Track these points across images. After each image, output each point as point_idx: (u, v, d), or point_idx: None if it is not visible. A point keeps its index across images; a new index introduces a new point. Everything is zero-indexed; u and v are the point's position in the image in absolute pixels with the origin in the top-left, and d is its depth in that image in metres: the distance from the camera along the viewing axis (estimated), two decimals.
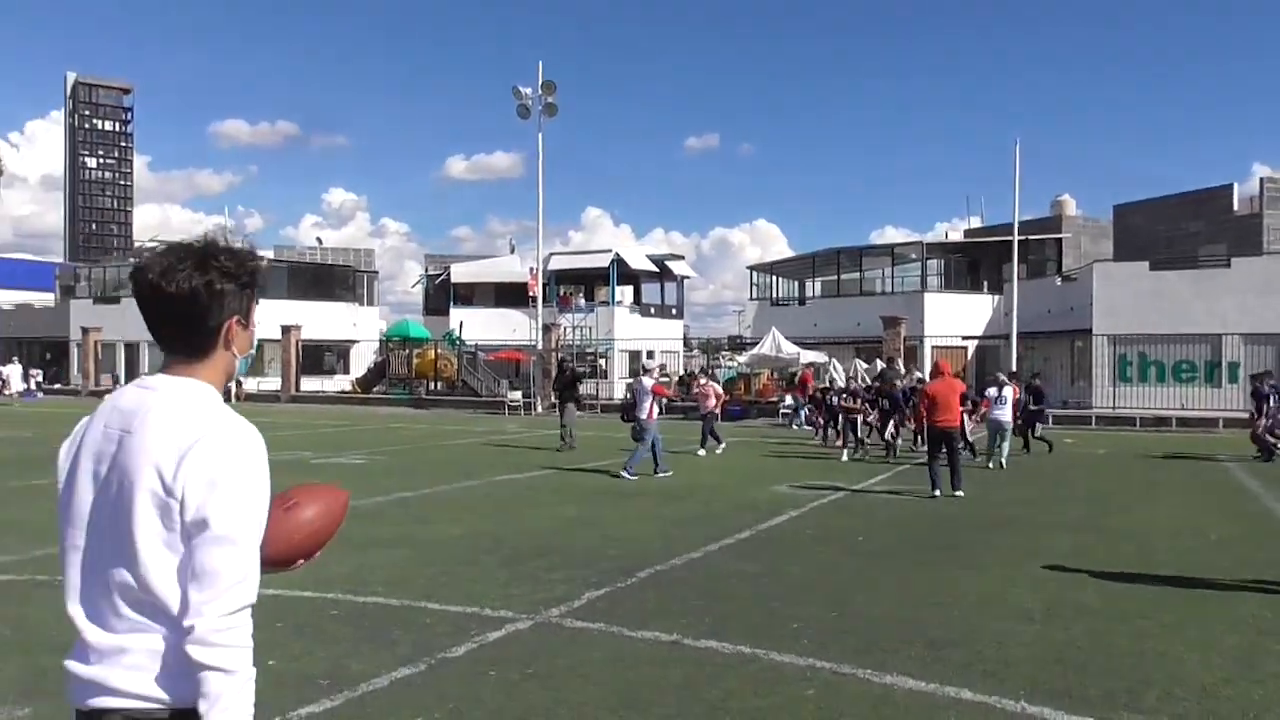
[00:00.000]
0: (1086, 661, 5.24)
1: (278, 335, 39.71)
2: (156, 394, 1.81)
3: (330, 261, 55.82)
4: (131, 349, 45.84)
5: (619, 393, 35.69)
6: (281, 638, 5.56)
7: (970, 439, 16.68)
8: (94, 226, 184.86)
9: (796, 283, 46.45)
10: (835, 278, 43.44)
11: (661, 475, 13.75)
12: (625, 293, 48.74)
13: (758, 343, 33.78)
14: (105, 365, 45.34)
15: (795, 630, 5.81)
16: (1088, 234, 43.24)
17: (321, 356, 45.28)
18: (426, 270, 53.80)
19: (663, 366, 42.69)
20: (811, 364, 25.80)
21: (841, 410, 17.89)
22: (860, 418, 17.62)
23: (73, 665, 1.76)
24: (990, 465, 15.49)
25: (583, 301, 45.86)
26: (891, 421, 17.74)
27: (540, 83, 32.87)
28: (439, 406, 34.82)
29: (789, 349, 29.76)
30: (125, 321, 45.20)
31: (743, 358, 32.81)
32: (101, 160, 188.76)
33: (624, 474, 13.55)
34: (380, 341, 43.58)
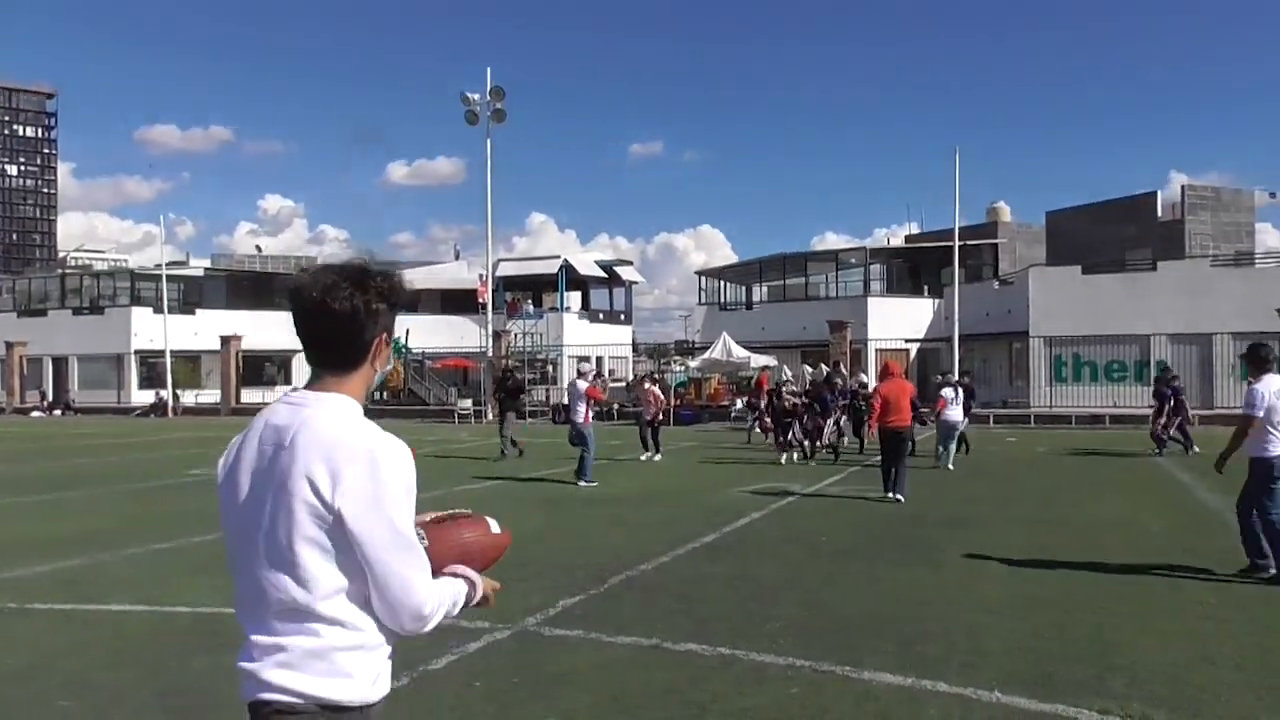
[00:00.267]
0: (1054, 651, 5.43)
1: (217, 346, 38.92)
2: (308, 409, 1.90)
3: (270, 270, 54.64)
4: (60, 363, 44.49)
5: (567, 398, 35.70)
6: None
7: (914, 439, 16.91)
8: (16, 236, 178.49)
9: (743, 288, 46.93)
10: (781, 282, 44.03)
11: (585, 485, 13.57)
12: (574, 299, 48.77)
13: (707, 347, 34.06)
14: (31, 381, 43.92)
15: (773, 630, 5.92)
16: (1022, 239, 44.44)
17: (262, 367, 44.42)
18: None
19: (611, 372, 42.83)
20: (766, 367, 26.07)
21: (779, 414, 17.77)
22: (798, 422, 17.51)
23: (241, 663, 1.88)
24: (940, 465, 15.75)
25: (531, 307, 45.73)
26: (829, 424, 17.70)
27: (489, 88, 32.79)
28: (385, 416, 34.36)
29: (739, 353, 30.06)
30: (53, 335, 43.88)
31: (694, 362, 33.05)
32: (23, 167, 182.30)
33: (580, 484, 13.55)
34: None
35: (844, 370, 24.88)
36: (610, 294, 50.73)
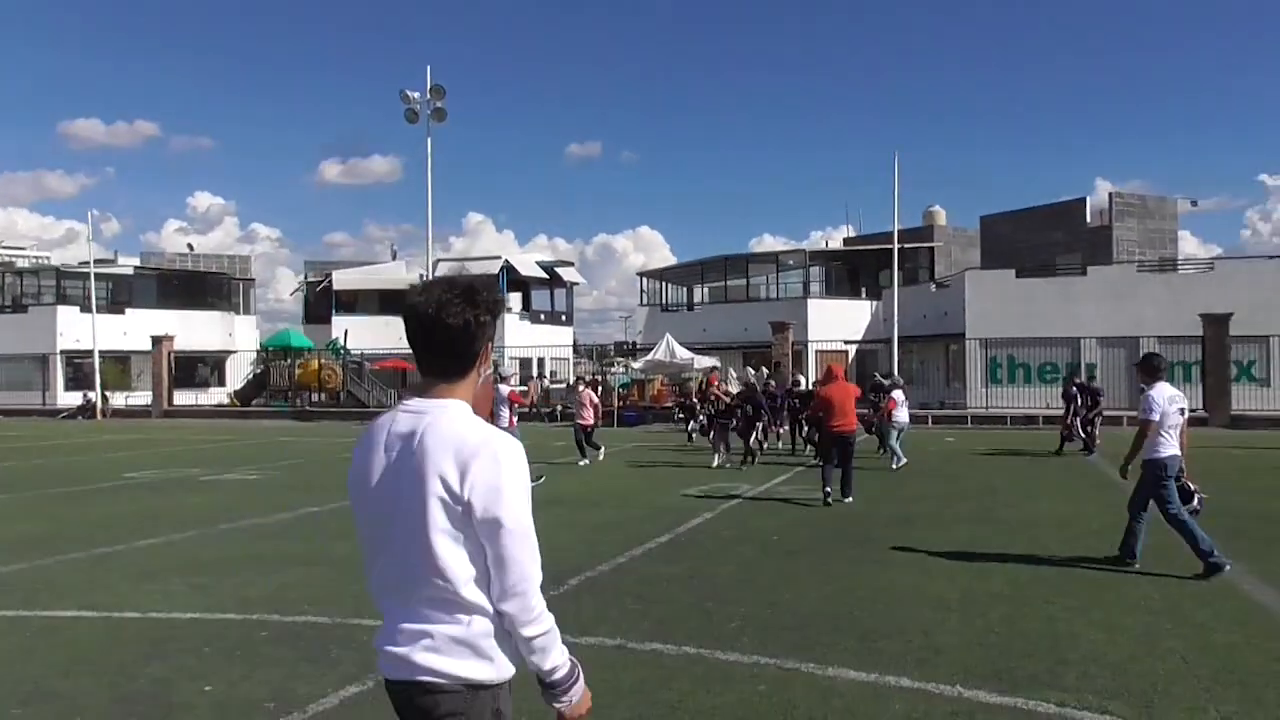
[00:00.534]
0: (1007, 646, 5.60)
1: (147, 346, 37.84)
2: (428, 416, 2.08)
3: (203, 269, 53.30)
4: None
5: None
6: (214, 663, 5.40)
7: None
8: None
9: (685, 289, 47.19)
10: (722, 284, 44.39)
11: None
12: (514, 299, 48.50)
13: (649, 349, 34.17)
14: None
15: (734, 629, 6.00)
16: (957, 243, 45.45)
17: (195, 369, 43.32)
18: (307, 277, 52.14)
19: (553, 373, 42.68)
20: (715, 368, 26.24)
21: (713, 415, 17.44)
22: (730, 423, 17.11)
23: (386, 646, 2.09)
24: (895, 466, 15.64)
25: None
26: (759, 426, 17.47)
27: (428, 87, 32.45)
28: (324, 418, 33.85)
29: (683, 354, 30.23)
30: None
31: (638, 363, 33.11)
32: None
33: None
34: (259, 352, 42.00)
35: (783, 372, 25.18)
36: (552, 295, 50.61)
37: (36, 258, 73.71)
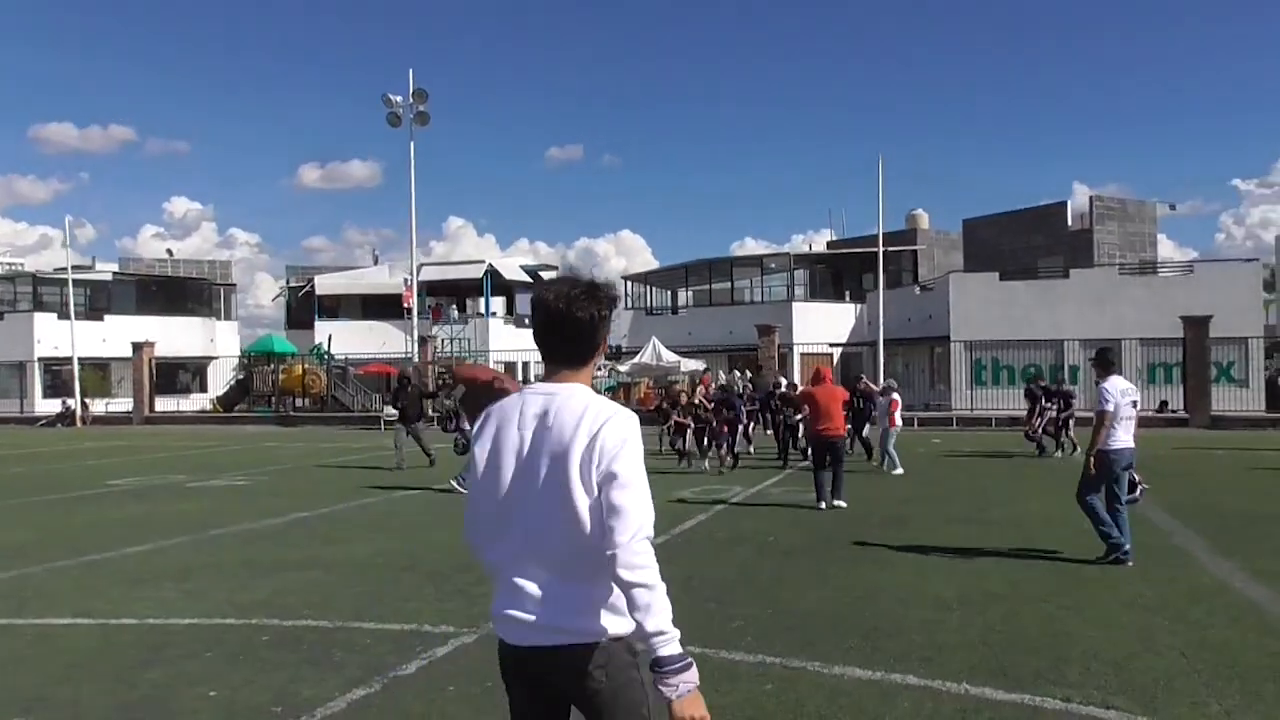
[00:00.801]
0: (1008, 643, 5.63)
1: (127, 353, 37.50)
2: (559, 396, 2.31)
3: (183, 274, 52.88)
4: None
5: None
6: (216, 668, 5.36)
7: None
8: None
9: (669, 292, 47.25)
10: (707, 287, 44.47)
11: (460, 488, 13.08)
12: (498, 303, 48.44)
13: (634, 352, 34.19)
14: None
15: (737, 629, 6.01)
16: (940, 246, 45.79)
17: (176, 375, 42.96)
18: (289, 282, 51.85)
19: (537, 377, 42.47)
20: (707, 369, 26.25)
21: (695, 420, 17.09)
22: (707, 427, 16.85)
23: (514, 612, 2.27)
24: (888, 470, 15.52)
25: (455, 313, 45.25)
26: (739, 430, 17.27)
27: (411, 91, 32.39)
28: (308, 424, 33.64)
29: (669, 357, 30.28)
30: None
31: (624, 367, 33.12)
32: None
33: (454, 484, 13.19)
34: (241, 358, 41.69)
35: (765, 376, 25.19)
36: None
37: (10, 264, 72.85)
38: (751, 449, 19.13)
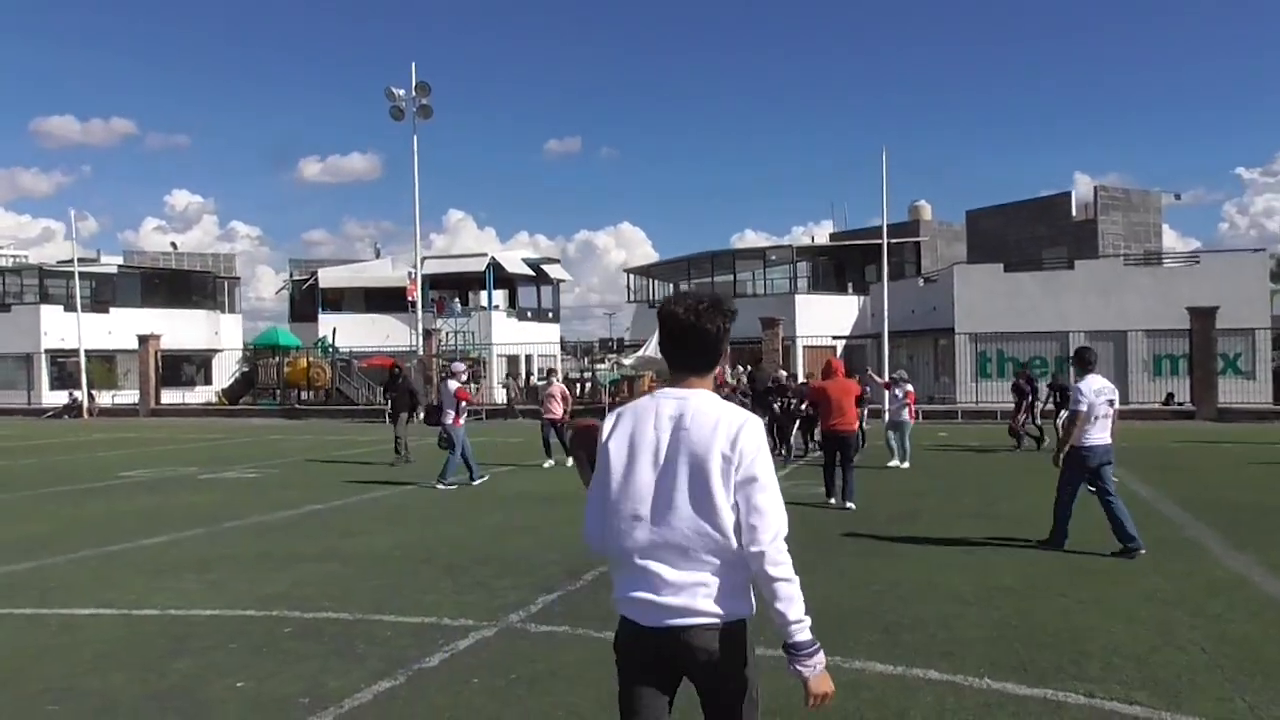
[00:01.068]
0: (1027, 638, 5.65)
1: (132, 345, 37.55)
2: (691, 401, 2.52)
3: (187, 267, 52.89)
4: None
5: (499, 396, 35.44)
6: (241, 659, 5.40)
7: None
8: None
9: (671, 285, 47.22)
10: (709, 280, 44.43)
11: (478, 482, 13.27)
12: (501, 297, 48.43)
13: (638, 345, 34.21)
14: None
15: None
16: (943, 238, 45.73)
17: (180, 367, 43.01)
18: (292, 275, 51.83)
19: (541, 369, 42.57)
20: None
21: None
22: None
23: (647, 595, 2.46)
24: (900, 464, 15.51)
25: (458, 305, 45.24)
26: None
27: (414, 84, 32.34)
28: (313, 416, 33.69)
29: None
30: None
31: (629, 360, 33.14)
32: None
33: (437, 485, 13.04)
34: (246, 350, 41.73)
35: (764, 369, 25.02)
36: (538, 292, 50.50)
37: (14, 257, 72.85)
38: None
